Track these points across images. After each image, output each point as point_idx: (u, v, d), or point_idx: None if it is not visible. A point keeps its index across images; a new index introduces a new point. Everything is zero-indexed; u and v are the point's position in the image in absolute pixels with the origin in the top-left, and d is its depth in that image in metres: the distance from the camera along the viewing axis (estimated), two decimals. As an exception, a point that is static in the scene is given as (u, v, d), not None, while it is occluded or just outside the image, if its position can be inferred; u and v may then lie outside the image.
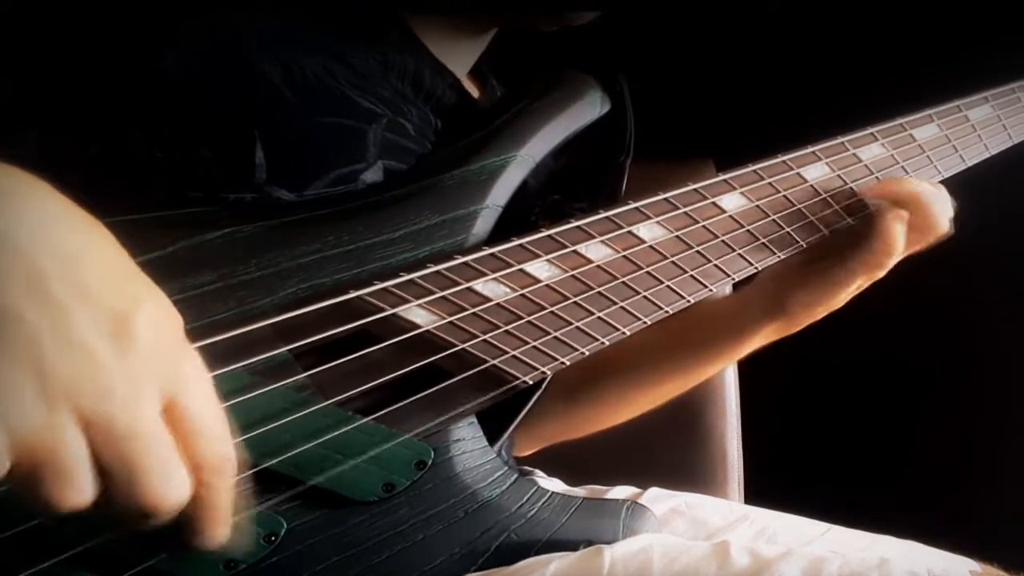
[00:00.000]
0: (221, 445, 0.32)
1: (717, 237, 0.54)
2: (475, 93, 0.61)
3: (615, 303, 0.50)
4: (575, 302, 0.48)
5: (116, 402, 0.28)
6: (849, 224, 0.59)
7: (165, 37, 0.46)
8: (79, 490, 0.28)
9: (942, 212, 0.60)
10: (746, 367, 0.71)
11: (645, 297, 0.51)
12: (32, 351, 0.27)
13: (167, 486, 0.30)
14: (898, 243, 0.58)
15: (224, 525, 0.33)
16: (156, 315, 0.30)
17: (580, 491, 0.70)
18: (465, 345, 0.45)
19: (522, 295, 0.47)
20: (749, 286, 0.66)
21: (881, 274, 0.60)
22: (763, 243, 0.56)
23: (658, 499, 0.66)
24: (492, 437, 0.50)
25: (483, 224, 0.48)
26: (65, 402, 0.27)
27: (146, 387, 0.29)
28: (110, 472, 0.29)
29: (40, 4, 0.45)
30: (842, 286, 0.61)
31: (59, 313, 0.28)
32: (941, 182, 0.64)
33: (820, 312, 0.63)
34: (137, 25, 0.46)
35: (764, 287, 0.65)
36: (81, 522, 0.29)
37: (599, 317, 0.49)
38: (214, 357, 0.36)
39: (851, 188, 0.59)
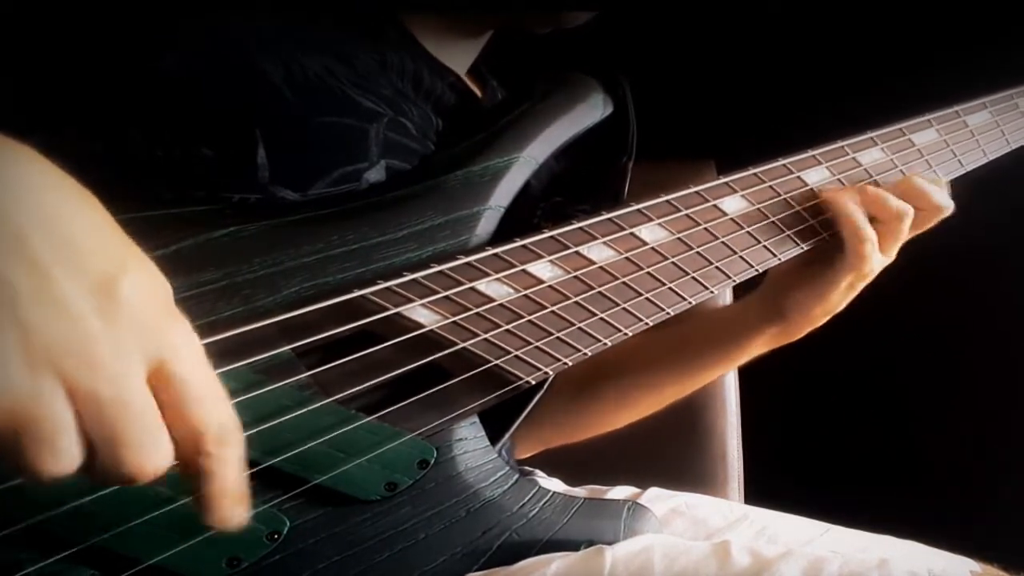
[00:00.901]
0: (216, 411, 0.31)
1: (718, 239, 0.54)
2: (476, 92, 0.61)
3: (617, 304, 0.50)
4: (577, 303, 0.49)
5: (100, 368, 0.28)
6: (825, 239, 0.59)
7: (165, 37, 0.46)
8: (63, 457, 0.27)
9: (902, 208, 0.59)
10: (746, 367, 0.71)
11: (647, 298, 0.51)
12: (14, 315, 0.26)
13: (149, 454, 0.29)
14: (863, 249, 0.58)
15: (238, 503, 0.31)
16: (143, 279, 0.30)
17: (580, 491, 0.70)
18: (468, 345, 0.45)
19: (525, 295, 0.47)
20: (751, 293, 0.66)
21: (867, 273, 0.60)
22: (764, 246, 0.56)
23: (658, 499, 0.66)
24: (494, 437, 0.50)
25: (486, 225, 0.48)
26: (48, 367, 0.27)
27: (132, 353, 0.28)
28: (93, 439, 0.28)
29: (40, 4, 0.45)
30: (832, 287, 0.61)
31: (43, 276, 0.27)
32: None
33: (817, 316, 0.63)
34: (137, 25, 0.46)
35: (763, 292, 0.66)
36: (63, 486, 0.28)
37: (601, 318, 0.50)
38: (217, 355, 0.36)
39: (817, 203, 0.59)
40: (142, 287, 0.29)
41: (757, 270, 0.57)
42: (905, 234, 0.60)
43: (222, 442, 0.31)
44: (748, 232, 0.55)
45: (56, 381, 0.27)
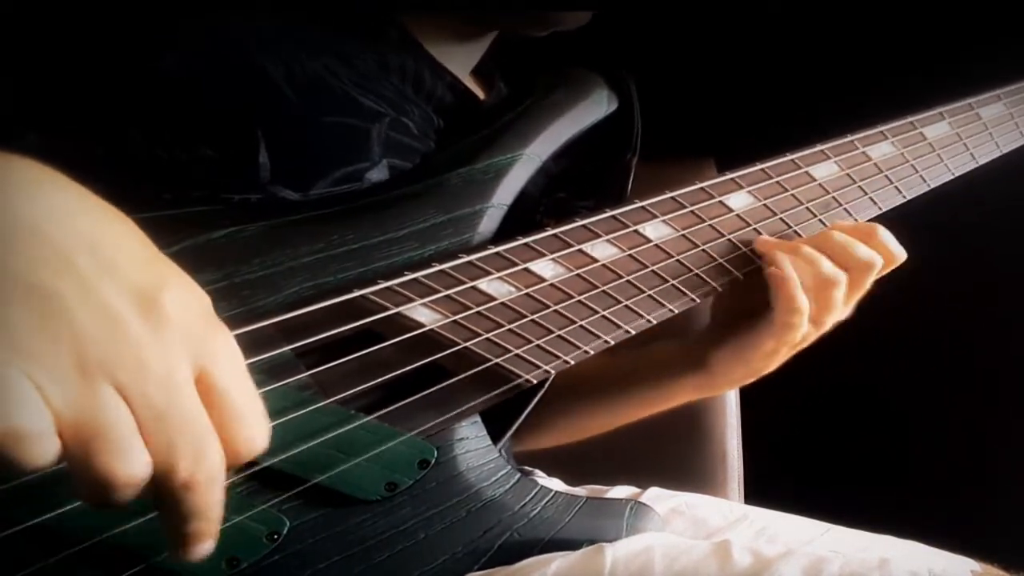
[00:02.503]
0: (252, 425, 0.31)
1: (724, 236, 0.53)
2: (480, 93, 0.61)
3: (620, 302, 0.50)
4: (580, 301, 0.48)
5: (151, 376, 0.28)
6: (739, 278, 0.55)
7: (165, 37, 0.45)
8: (132, 460, 0.28)
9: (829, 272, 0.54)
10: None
11: (650, 296, 0.51)
12: (68, 325, 0.27)
13: (203, 461, 0.29)
14: (792, 319, 0.54)
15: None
16: (184, 291, 0.30)
17: (580, 491, 0.70)
18: (469, 344, 0.45)
19: (527, 294, 0.46)
20: (672, 339, 0.63)
21: (795, 343, 0.56)
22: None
23: (658, 499, 0.66)
24: (495, 437, 0.49)
25: (488, 223, 0.48)
26: (103, 375, 0.27)
27: (180, 361, 0.29)
28: (145, 438, 0.28)
29: (40, 4, 0.45)
30: (755, 351, 0.57)
31: (90, 290, 0.28)
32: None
33: (739, 376, 0.60)
34: (137, 25, 0.46)
35: (687, 341, 0.63)
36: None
37: (603, 316, 0.49)
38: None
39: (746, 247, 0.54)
40: (184, 298, 0.30)
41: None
42: (864, 289, 0.56)
43: (245, 457, 0.31)
44: (754, 228, 0.55)
45: (112, 389, 0.27)
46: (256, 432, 0.31)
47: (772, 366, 0.59)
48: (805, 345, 0.58)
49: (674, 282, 0.52)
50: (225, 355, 0.31)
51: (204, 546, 0.31)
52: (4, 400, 0.26)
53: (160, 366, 0.28)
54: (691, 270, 0.52)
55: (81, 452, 0.27)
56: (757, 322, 0.57)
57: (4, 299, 0.26)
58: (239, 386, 0.31)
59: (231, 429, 0.30)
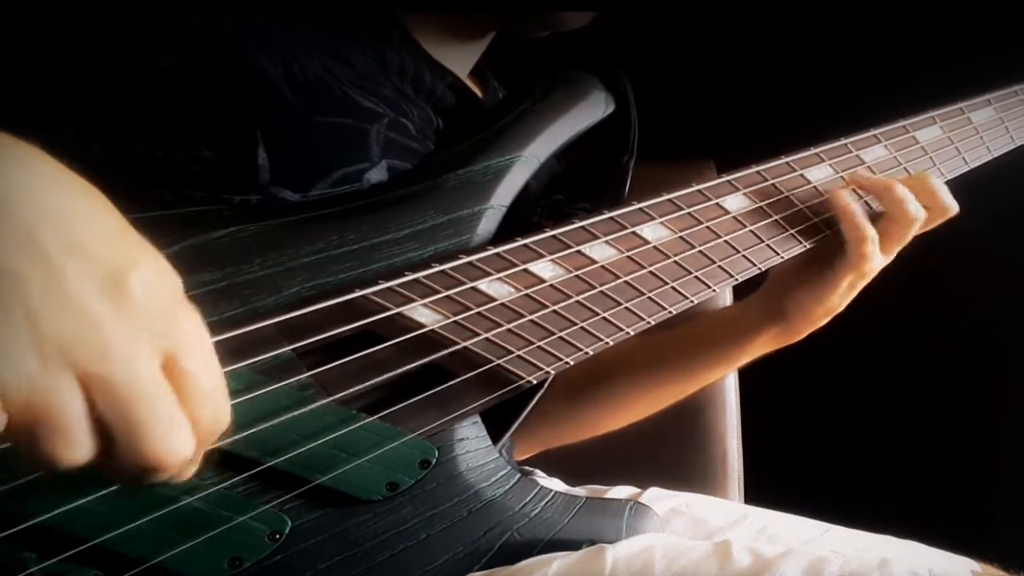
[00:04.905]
0: (217, 408, 0.31)
1: (720, 238, 0.54)
2: (478, 93, 0.61)
3: (619, 303, 0.50)
4: (579, 302, 0.48)
5: (112, 358, 0.28)
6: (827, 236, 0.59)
7: (164, 36, 0.46)
8: (76, 447, 0.28)
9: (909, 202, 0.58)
10: (746, 367, 0.71)
11: (649, 297, 0.51)
12: (25, 307, 0.27)
13: (170, 441, 0.29)
14: (864, 248, 0.58)
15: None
16: (152, 272, 0.30)
17: (580, 491, 0.70)
18: (469, 344, 0.45)
19: (526, 295, 0.47)
20: (753, 293, 0.66)
21: (867, 273, 0.60)
22: (766, 244, 0.56)
23: (658, 499, 0.66)
24: (495, 437, 0.50)
25: (487, 224, 0.48)
26: (60, 359, 0.27)
27: (143, 343, 0.29)
28: (111, 428, 0.28)
29: (40, 4, 0.45)
30: (832, 287, 0.60)
31: (52, 270, 0.27)
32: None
33: (818, 316, 0.63)
34: (136, 24, 0.46)
35: (764, 292, 0.65)
36: (76, 478, 0.29)
37: (603, 317, 0.49)
38: (218, 356, 0.36)
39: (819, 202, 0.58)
40: (152, 280, 0.30)
41: (760, 268, 0.57)
42: (911, 237, 0.59)
43: (212, 437, 0.31)
44: (751, 230, 0.55)
45: (68, 372, 0.27)
46: (221, 412, 0.31)
47: (847, 302, 0.62)
48: (872, 277, 0.61)
49: (672, 283, 0.52)
50: (191, 337, 0.31)
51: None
52: None
53: (122, 346, 0.28)
54: (688, 272, 0.53)
55: (26, 435, 0.27)
56: (830, 261, 0.60)
57: None
58: (205, 368, 0.31)
59: (196, 410, 0.30)
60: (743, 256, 0.55)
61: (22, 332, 0.27)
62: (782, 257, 0.57)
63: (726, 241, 0.54)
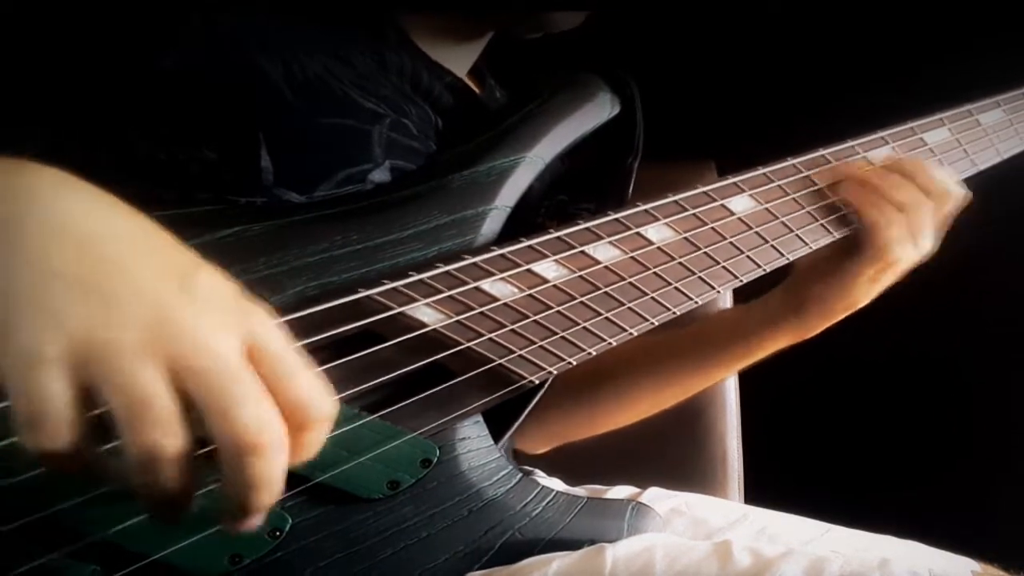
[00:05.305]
0: (312, 386, 0.32)
1: (725, 239, 0.54)
2: (476, 92, 0.61)
3: (622, 304, 0.50)
4: (582, 302, 0.48)
5: (200, 345, 0.30)
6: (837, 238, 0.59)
7: (165, 36, 0.46)
8: (168, 433, 0.29)
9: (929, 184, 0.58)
10: (746, 367, 0.71)
11: (652, 298, 0.51)
12: (116, 311, 0.29)
13: (260, 419, 0.30)
14: (886, 234, 0.57)
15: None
16: (215, 273, 0.32)
17: (580, 491, 0.70)
18: (472, 344, 0.45)
19: (529, 295, 0.47)
20: (775, 288, 0.65)
21: (892, 262, 0.59)
22: (771, 245, 0.56)
23: (658, 499, 0.66)
24: (496, 436, 0.50)
25: (491, 224, 0.48)
26: (150, 354, 0.29)
27: (224, 329, 0.30)
28: (204, 409, 0.29)
29: (41, 5, 0.45)
30: (854, 279, 0.60)
31: (124, 272, 0.30)
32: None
33: (838, 310, 0.62)
34: (136, 24, 0.46)
35: (787, 285, 0.65)
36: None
37: (606, 317, 0.49)
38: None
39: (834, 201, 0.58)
40: (217, 279, 0.32)
41: (764, 270, 0.57)
42: (946, 217, 0.59)
43: (320, 419, 0.33)
44: (756, 232, 0.55)
45: (158, 366, 0.29)
46: (316, 390, 0.32)
47: (870, 296, 0.61)
48: (903, 268, 0.60)
49: (676, 284, 0.52)
50: (267, 324, 0.32)
51: (259, 518, 0.32)
52: (31, 390, 0.28)
53: (206, 335, 0.30)
54: (693, 272, 0.53)
55: (130, 430, 0.29)
56: (851, 252, 0.59)
57: (49, 293, 0.28)
58: (287, 350, 0.32)
59: (291, 389, 0.31)
60: (748, 257, 0.55)
61: (93, 332, 0.28)
62: (788, 258, 0.57)
63: (731, 242, 0.54)
